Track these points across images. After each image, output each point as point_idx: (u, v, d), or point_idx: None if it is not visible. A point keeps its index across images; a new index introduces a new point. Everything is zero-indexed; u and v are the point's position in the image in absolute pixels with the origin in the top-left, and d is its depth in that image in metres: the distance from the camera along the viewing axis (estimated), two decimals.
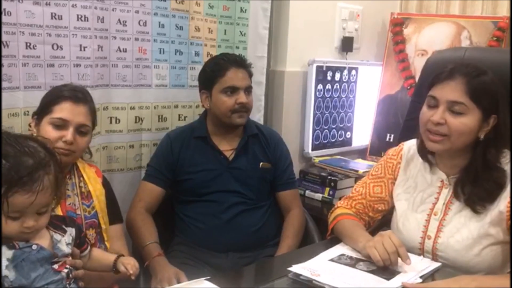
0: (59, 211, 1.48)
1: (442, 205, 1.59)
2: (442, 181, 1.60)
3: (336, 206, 1.78)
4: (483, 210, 1.51)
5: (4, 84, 1.76)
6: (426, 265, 1.48)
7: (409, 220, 1.64)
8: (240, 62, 2.08)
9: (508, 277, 1.37)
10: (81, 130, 1.56)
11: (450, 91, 1.49)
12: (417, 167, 1.67)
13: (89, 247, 1.38)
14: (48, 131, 1.52)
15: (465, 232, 1.52)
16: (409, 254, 1.54)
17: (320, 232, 2.13)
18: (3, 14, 1.72)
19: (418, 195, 1.65)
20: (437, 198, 1.60)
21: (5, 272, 1.13)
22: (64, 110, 1.54)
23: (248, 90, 2.07)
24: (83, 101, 1.59)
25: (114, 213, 1.74)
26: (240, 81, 2.04)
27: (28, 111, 1.81)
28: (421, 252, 1.59)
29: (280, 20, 2.73)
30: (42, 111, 1.57)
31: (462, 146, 1.53)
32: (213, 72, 2.05)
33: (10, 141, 1.16)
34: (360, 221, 1.68)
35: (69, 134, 1.53)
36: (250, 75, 2.11)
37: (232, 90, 2.02)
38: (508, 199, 1.47)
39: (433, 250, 1.56)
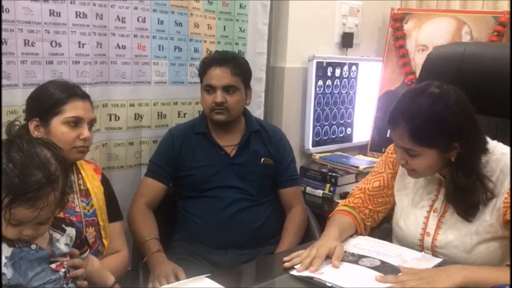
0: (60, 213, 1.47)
1: (442, 202, 1.58)
2: (440, 179, 1.60)
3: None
4: (473, 218, 1.50)
5: (2, 82, 1.74)
6: (428, 261, 1.48)
7: (409, 216, 1.64)
8: (220, 60, 2.02)
9: (497, 268, 1.39)
10: (90, 125, 1.60)
11: (398, 138, 1.51)
12: None
13: (88, 250, 1.37)
14: (65, 132, 1.53)
15: (464, 228, 1.52)
16: (412, 250, 1.55)
17: (321, 229, 2.12)
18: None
19: (418, 191, 1.65)
20: (437, 196, 1.60)
21: (3, 269, 1.12)
22: (77, 108, 1.55)
23: (229, 88, 2.00)
24: (87, 97, 1.61)
25: (114, 211, 1.73)
26: (217, 80, 1.99)
27: None
28: (421, 249, 1.59)
29: (280, 16, 2.71)
30: (47, 112, 1.53)
31: (436, 172, 1.55)
32: (200, 71, 2.08)
33: (22, 147, 1.11)
34: (352, 216, 1.68)
35: (86, 131, 1.56)
36: (236, 72, 2.01)
37: (211, 88, 2.01)
38: (505, 195, 1.46)
39: (432, 247, 1.56)
